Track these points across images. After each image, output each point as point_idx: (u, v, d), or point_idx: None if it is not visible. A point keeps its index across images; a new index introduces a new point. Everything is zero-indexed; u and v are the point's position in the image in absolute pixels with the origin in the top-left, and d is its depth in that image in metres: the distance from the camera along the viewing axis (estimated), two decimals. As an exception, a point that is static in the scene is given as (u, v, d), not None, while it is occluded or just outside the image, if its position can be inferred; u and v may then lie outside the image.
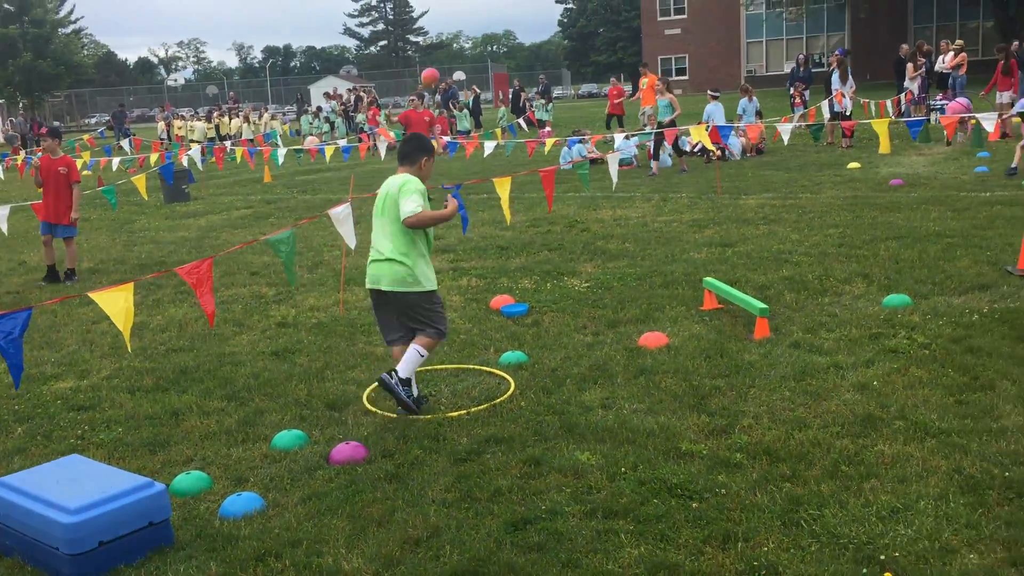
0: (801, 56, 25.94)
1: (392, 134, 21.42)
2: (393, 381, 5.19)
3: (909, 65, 21.96)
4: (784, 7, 51.59)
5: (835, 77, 18.86)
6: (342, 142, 20.46)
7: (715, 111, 17.34)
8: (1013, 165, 12.45)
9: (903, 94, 21.63)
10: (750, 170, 15.51)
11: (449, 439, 4.90)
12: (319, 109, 34.28)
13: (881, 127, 11.64)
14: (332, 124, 31.97)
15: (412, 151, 5.42)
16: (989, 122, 11.62)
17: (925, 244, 8.55)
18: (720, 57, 58.39)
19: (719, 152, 16.54)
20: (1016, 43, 25.29)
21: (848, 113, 18.36)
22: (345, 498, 4.28)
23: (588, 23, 76.89)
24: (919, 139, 12.65)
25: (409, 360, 5.23)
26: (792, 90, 23.46)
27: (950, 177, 12.93)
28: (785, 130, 13.35)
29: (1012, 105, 18.07)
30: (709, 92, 18.23)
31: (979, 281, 7.11)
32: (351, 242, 7.52)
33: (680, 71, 60.43)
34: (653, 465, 4.36)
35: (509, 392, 5.50)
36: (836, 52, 21.76)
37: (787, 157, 17.16)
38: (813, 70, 26.83)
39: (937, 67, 22.91)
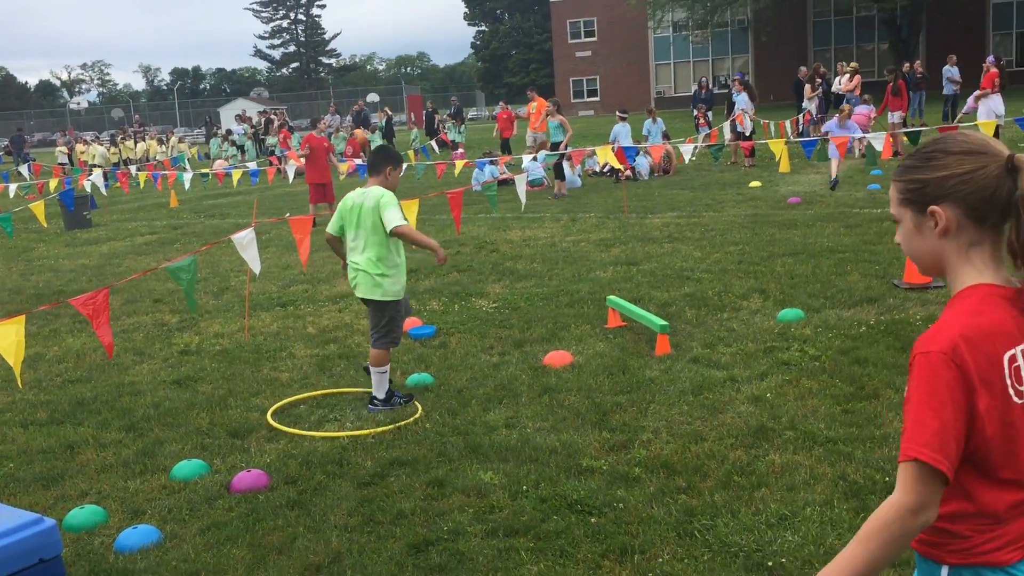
0: (703, 79, 26.69)
1: (301, 158, 21.23)
2: (378, 408, 5.63)
3: (807, 86, 22.79)
4: (690, 30, 52.99)
5: (738, 98, 19.46)
6: (252, 165, 20.19)
7: (622, 132, 17.69)
8: (833, 176, 13.55)
9: (802, 114, 22.42)
10: (657, 189, 15.86)
11: (353, 463, 4.90)
12: (228, 132, 33.77)
13: (779, 147, 12.06)
14: (242, 148, 31.53)
15: (378, 161, 5.68)
16: (879, 141, 12.14)
17: (819, 259, 8.88)
18: (630, 78, 59.59)
19: (627, 172, 16.88)
20: (907, 65, 26.48)
21: (749, 133, 18.94)
22: (245, 527, 4.24)
23: (501, 45, 77.61)
24: (814, 158, 13.12)
25: (376, 384, 5.65)
26: (695, 111, 24.09)
27: (844, 195, 13.44)
28: (687, 150, 13.70)
29: (903, 124, 18.91)
30: (618, 113, 18.60)
31: (868, 294, 7.42)
32: (256, 267, 7.45)
33: (591, 92, 61.48)
34: (554, 482, 4.43)
35: (415, 417, 5.52)
36: (736, 76, 22.44)
37: (692, 176, 17.60)
38: (717, 91, 27.58)
39: (834, 88, 23.82)
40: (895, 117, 19.39)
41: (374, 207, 5.46)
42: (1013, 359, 1.64)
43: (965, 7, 48.12)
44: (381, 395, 5.66)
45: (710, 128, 22.60)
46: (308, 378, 6.49)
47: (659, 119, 19.39)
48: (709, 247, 10.09)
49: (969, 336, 1.62)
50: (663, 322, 6.46)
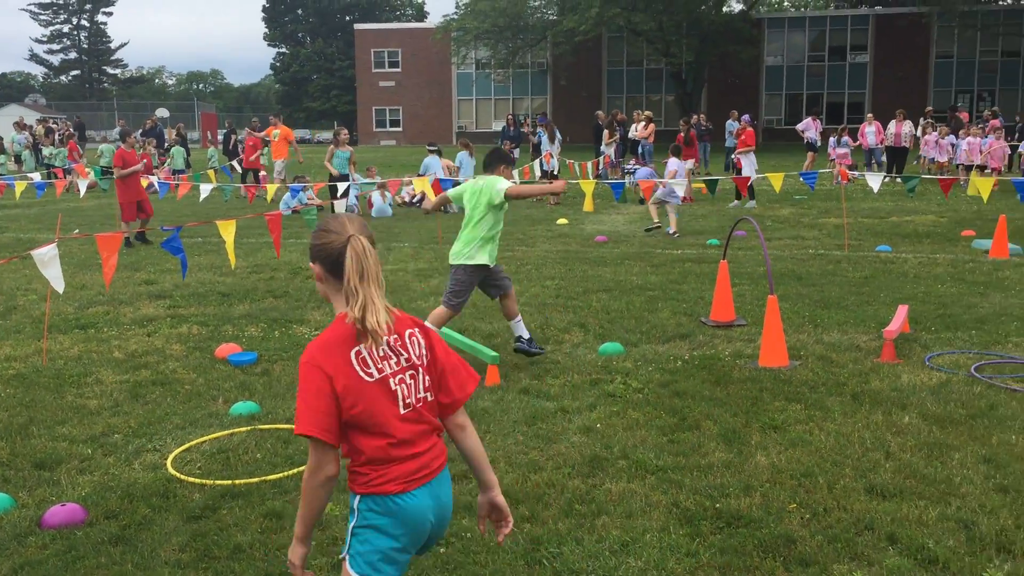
0: (511, 116, 27.40)
1: (90, 172, 19.95)
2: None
3: (605, 132, 23.89)
4: (492, 69, 54.30)
5: (544, 138, 20.11)
6: (35, 176, 18.73)
7: (433, 164, 17.84)
8: (655, 224, 14.05)
9: (601, 157, 23.46)
10: (467, 222, 16.06)
11: (180, 496, 4.63)
12: None
13: (587, 187, 12.56)
14: (18, 157, 29.18)
15: (492, 160, 6.71)
16: (680, 188, 12.89)
17: (631, 296, 9.30)
18: (433, 111, 60.24)
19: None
20: (695, 116, 28.30)
21: (555, 172, 19.61)
22: (64, 565, 3.91)
23: (302, 69, 76.27)
24: (621, 199, 13.76)
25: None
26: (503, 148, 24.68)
27: (647, 235, 14.16)
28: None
29: (693, 172, 20.16)
30: (428, 147, 18.74)
31: (679, 331, 7.85)
32: (59, 286, 6.92)
33: (394, 122, 61.58)
34: (398, 513, 4.38)
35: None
36: (539, 119, 23.23)
37: (501, 211, 17.97)
38: (521, 131, 28.39)
39: (631, 135, 25.13)
40: (688, 164, 20.68)
41: (484, 186, 6.52)
42: (358, 353, 2.50)
43: (743, 67, 52.13)
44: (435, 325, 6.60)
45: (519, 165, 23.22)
46: (120, 406, 6.08)
47: (474, 154, 19.64)
48: (526, 281, 10.33)
49: (325, 345, 2.50)
50: (494, 353, 6.55)
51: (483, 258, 6.64)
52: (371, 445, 2.50)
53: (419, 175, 16.71)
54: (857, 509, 4.31)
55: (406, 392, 2.57)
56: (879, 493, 4.50)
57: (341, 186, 13.67)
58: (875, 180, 12.64)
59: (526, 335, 6.86)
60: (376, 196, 16.84)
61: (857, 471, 4.76)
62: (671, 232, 13.63)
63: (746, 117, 20.77)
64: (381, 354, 2.53)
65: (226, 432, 5.54)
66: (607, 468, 4.91)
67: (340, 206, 12.37)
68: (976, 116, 30.11)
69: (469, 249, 6.62)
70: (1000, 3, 52.35)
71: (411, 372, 2.59)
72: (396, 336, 2.58)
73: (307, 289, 9.95)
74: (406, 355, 2.59)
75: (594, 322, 8.22)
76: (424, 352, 2.65)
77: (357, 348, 2.50)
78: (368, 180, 16.13)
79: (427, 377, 2.63)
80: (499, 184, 6.48)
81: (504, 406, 5.95)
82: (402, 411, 2.56)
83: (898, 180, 18.39)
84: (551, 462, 5.02)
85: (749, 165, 17.87)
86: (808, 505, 4.38)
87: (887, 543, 4.00)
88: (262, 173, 23.65)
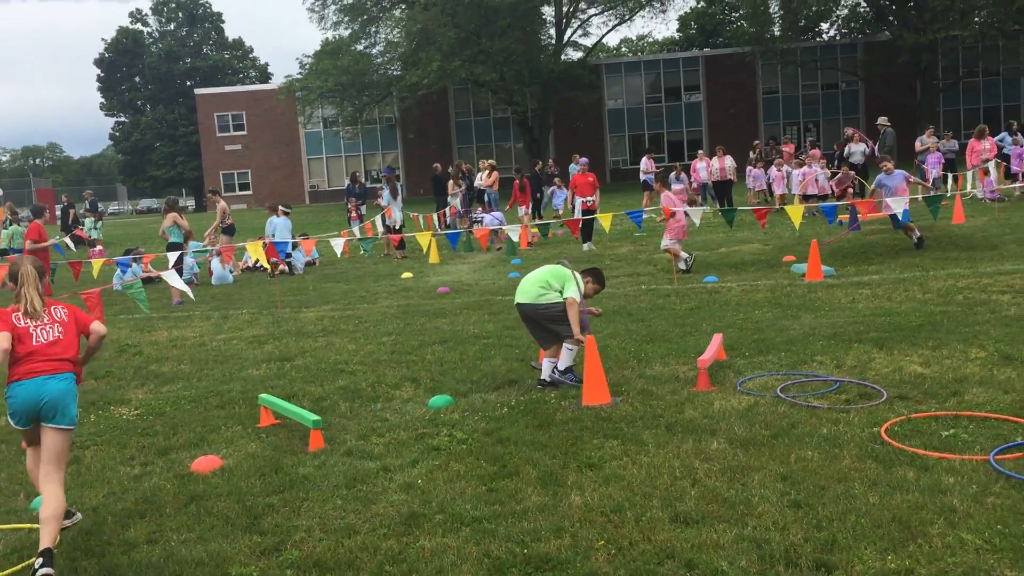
0: (356, 173, 27.37)
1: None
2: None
3: (451, 182, 24.14)
4: (340, 126, 54.14)
5: (385, 193, 20.14)
6: None
7: (280, 225, 17.58)
8: None
9: (448, 208, 23.66)
10: (312, 283, 15.88)
11: (-35, 605, 4.33)
12: None
13: (425, 239, 12.62)
14: None
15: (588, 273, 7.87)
16: (515, 233, 13.13)
17: (465, 346, 9.36)
18: (282, 172, 59.49)
19: (281, 266, 16.74)
20: (539, 163, 28.96)
21: (398, 227, 19.63)
22: None
23: (143, 137, 73.94)
24: (459, 249, 13.87)
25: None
26: (348, 205, 24.56)
27: (489, 283, 14.32)
28: (338, 244, 13.91)
29: (529, 217, 20.56)
30: (281, 208, 18.45)
31: (509, 377, 7.93)
32: None
33: (243, 186, 60.42)
34: (201, 596, 4.23)
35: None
36: (383, 171, 23.31)
37: (347, 269, 17.84)
38: (370, 185, 28.38)
39: (476, 183, 25.46)
40: (521, 211, 21.12)
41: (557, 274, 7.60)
42: (17, 316, 4.94)
43: (586, 111, 53.80)
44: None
45: (362, 221, 23.14)
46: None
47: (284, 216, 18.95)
48: (363, 339, 10.26)
49: (4, 312, 4.97)
50: (316, 417, 6.45)
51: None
52: (15, 357, 4.89)
53: (265, 237, 16.46)
54: (661, 539, 4.42)
55: (40, 335, 4.95)
56: (683, 521, 4.63)
57: (174, 256, 13.27)
58: (696, 215, 13.20)
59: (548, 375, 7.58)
60: (216, 263, 16.44)
61: (664, 501, 4.89)
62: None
63: (584, 160, 21.36)
64: (31, 316, 4.97)
65: (25, 526, 5.24)
66: (423, 524, 4.89)
67: (173, 278, 11.99)
68: (798, 148, 31.95)
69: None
70: (816, 40, 55.96)
71: (48, 325, 4.99)
72: (45, 309, 5.04)
73: (132, 367, 9.58)
74: (48, 317, 5.02)
75: (426, 375, 8.22)
76: (64, 315, 5.09)
77: (17, 313, 4.96)
78: (202, 248, 15.72)
79: (61, 327, 5.03)
80: (570, 290, 7.41)
81: (326, 471, 5.85)
82: (34, 344, 4.91)
83: (718, 214, 19.30)
84: (367, 524, 4.95)
85: (577, 209, 18.37)
86: (615, 540, 4.47)
87: (686, 570, 4.12)
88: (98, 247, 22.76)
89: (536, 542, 4.53)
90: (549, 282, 7.50)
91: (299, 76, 50.34)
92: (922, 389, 6.49)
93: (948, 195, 18.07)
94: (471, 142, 57.95)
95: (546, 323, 7.50)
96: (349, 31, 50.96)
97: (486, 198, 24.24)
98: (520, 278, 14.43)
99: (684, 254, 13.58)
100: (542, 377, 7.52)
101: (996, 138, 22.93)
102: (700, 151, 27.80)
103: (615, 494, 5.05)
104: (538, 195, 25.41)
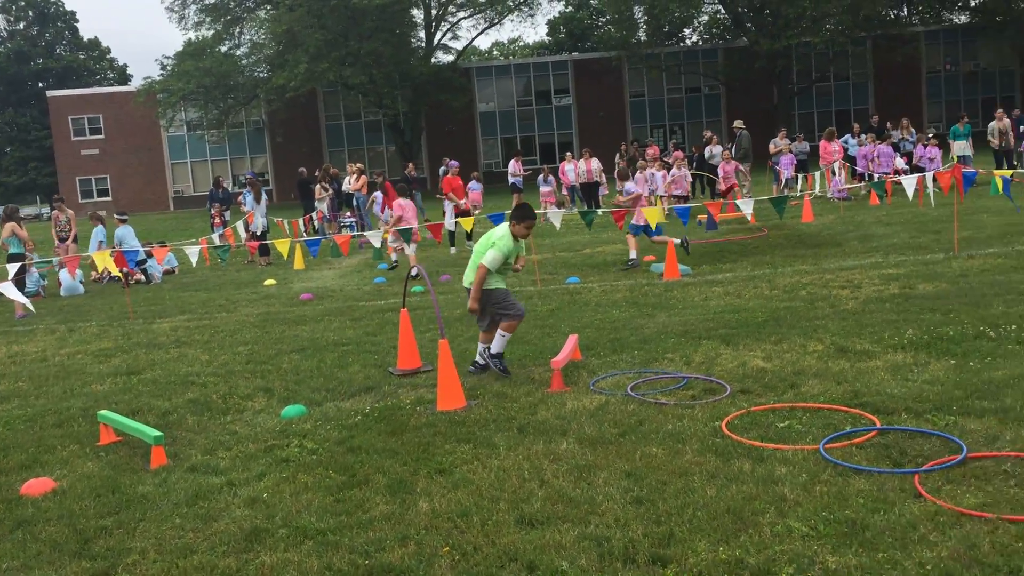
0: (219, 178, 26.63)
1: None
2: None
3: (318, 187, 23.74)
4: (205, 130, 52.52)
5: (248, 198, 19.63)
6: None
7: (127, 234, 16.88)
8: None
9: (315, 213, 23.26)
10: (168, 292, 15.31)
11: None
12: None
13: (284, 246, 12.35)
14: None
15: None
16: (377, 239, 12.99)
17: (324, 353, 9.18)
18: (144, 177, 57.31)
19: (137, 275, 16.10)
20: (410, 165, 28.80)
21: (260, 232, 19.17)
22: None
23: (-8, 142, 70.14)
24: (324, 255, 13.64)
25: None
26: (212, 210, 23.86)
27: (354, 288, 14.13)
28: (193, 252, 13.48)
29: (400, 220, 20.37)
30: (116, 216, 17.70)
31: (366, 384, 7.82)
32: None
33: (102, 191, 57.86)
34: (20, 628, 3.98)
35: None
36: (247, 175, 22.74)
37: (208, 277, 17.30)
38: (234, 191, 27.65)
39: (344, 187, 25.15)
40: (387, 215, 21.00)
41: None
42: None
43: (458, 114, 53.88)
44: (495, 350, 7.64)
45: (225, 227, 22.52)
46: None
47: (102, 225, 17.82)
48: (218, 349, 9.94)
49: None
50: (157, 433, 6.19)
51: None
52: None
53: (113, 246, 15.75)
54: (505, 542, 4.42)
55: None
56: (528, 522, 4.65)
57: (14, 267, 12.56)
58: (556, 217, 13.37)
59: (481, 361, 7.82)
60: (64, 274, 15.66)
61: (511, 504, 4.90)
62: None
63: (454, 163, 21.33)
64: None
65: None
66: (265, 540, 4.75)
67: (11, 290, 11.34)
68: (663, 150, 32.86)
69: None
70: (680, 45, 57.67)
71: None
72: None
73: (-35, 386, 9.00)
74: None
75: (280, 385, 8.02)
76: None
77: None
78: (43, 260, 14.95)
79: None
80: (485, 257, 7.53)
81: (167, 488, 5.62)
82: None
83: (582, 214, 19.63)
84: (206, 543, 4.77)
85: (449, 212, 18.36)
86: (460, 546, 4.45)
87: (527, 572, 4.13)
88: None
89: (380, 552, 4.46)
90: (479, 262, 7.61)
91: (160, 78, 48.63)
92: (763, 383, 6.73)
93: (799, 195, 18.88)
94: (342, 145, 57.20)
95: (486, 305, 7.64)
96: (212, 32, 49.57)
97: (354, 202, 23.95)
98: (385, 283, 14.36)
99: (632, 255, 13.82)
100: (476, 359, 7.83)
101: (841, 139, 24.09)
102: (568, 153, 28.18)
103: (463, 499, 5.03)
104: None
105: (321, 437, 6.40)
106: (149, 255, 15.72)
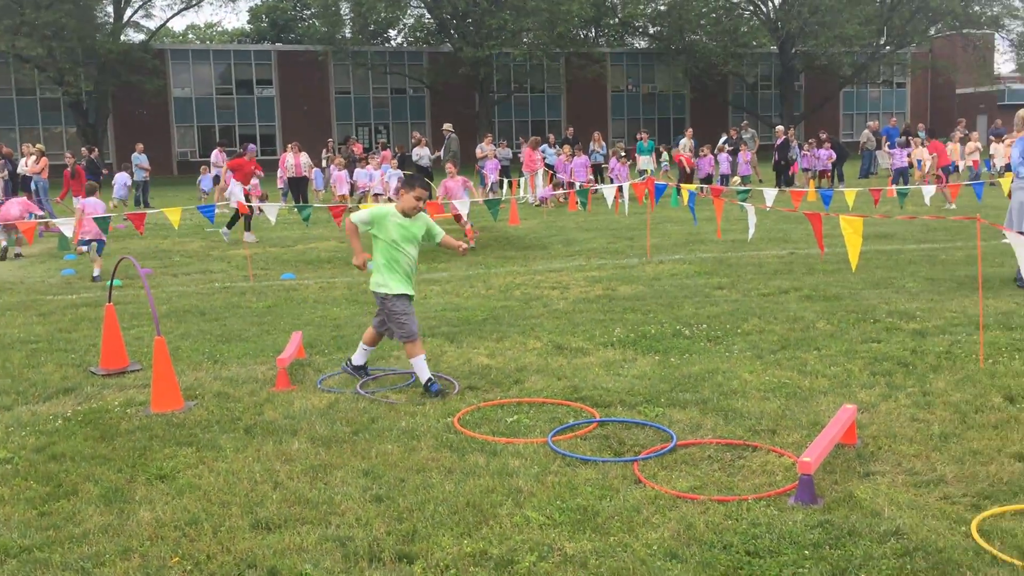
0: None
1: None
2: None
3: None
4: None
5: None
6: None
7: None
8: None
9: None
10: None
11: None
12: None
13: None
14: None
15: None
16: (69, 228, 11.87)
17: (9, 352, 8.24)
18: None
19: None
20: (94, 150, 26.60)
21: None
22: None
23: None
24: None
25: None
26: None
27: (38, 281, 12.82)
28: None
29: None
30: None
31: (64, 385, 7.12)
32: None
33: None
34: None
35: None
36: None
37: None
38: None
39: (20, 170, 22.73)
40: (77, 202, 19.45)
41: None
42: None
43: (150, 98, 50.51)
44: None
45: None
46: None
47: None
48: None
49: None
50: None
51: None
52: None
53: None
54: (241, 549, 4.21)
55: None
56: (265, 526, 4.46)
57: None
58: (271, 211, 12.96)
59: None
60: None
61: (245, 508, 4.68)
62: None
63: (252, 147, 19.54)
64: None
65: None
66: (-44, 563, 4.18)
67: None
68: (368, 148, 32.87)
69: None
70: (386, 45, 57.96)
71: None
72: None
73: None
74: None
75: (-43, 388, 7.09)
76: None
77: None
78: None
79: None
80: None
81: None
82: None
83: (295, 210, 19.24)
84: None
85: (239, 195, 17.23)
86: (191, 555, 4.18)
87: (269, 578, 3.96)
88: None
89: (100, 567, 4.08)
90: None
91: None
92: (489, 379, 6.94)
93: (504, 199, 19.68)
94: (13, 124, 51.65)
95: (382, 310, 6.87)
96: None
97: (34, 186, 21.74)
98: (74, 275, 13.12)
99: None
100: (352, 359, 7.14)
101: (540, 148, 25.45)
102: (290, 145, 27.20)
103: (190, 505, 4.73)
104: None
105: (15, 445, 5.74)
106: None
